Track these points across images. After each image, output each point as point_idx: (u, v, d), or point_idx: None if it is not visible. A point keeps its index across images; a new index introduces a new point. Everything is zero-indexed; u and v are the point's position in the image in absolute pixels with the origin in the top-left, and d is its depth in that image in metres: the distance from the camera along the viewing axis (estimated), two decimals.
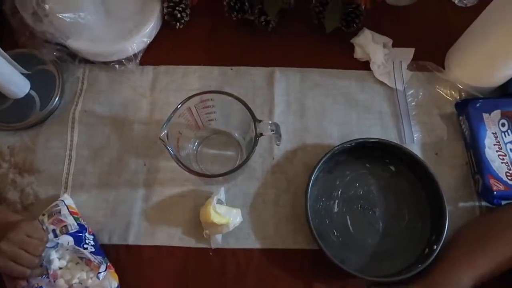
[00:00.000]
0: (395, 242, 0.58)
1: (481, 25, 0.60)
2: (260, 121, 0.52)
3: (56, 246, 0.52)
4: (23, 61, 0.64)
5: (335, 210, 0.60)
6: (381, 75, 0.68)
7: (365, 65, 0.69)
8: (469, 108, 0.62)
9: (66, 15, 0.60)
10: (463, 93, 0.66)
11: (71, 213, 0.56)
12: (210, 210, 0.55)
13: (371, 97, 0.67)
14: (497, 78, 0.62)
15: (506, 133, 0.61)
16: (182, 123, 0.56)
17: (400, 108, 0.66)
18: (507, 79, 0.62)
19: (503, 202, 0.58)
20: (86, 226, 0.56)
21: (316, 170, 0.58)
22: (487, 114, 0.62)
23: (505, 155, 0.59)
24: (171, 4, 0.68)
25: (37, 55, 0.67)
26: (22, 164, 0.62)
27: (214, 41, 0.71)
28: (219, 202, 0.58)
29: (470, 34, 0.63)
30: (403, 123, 0.65)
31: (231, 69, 0.69)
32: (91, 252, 0.53)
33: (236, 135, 0.63)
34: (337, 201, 0.61)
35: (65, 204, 0.57)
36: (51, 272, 0.51)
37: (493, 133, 0.61)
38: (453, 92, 0.67)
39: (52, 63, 0.67)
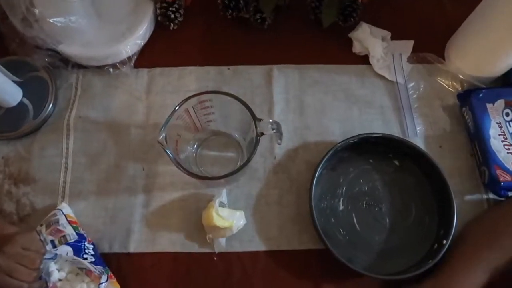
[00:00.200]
0: (403, 238, 0.57)
1: (481, 13, 0.59)
2: (260, 120, 0.51)
3: (54, 257, 0.50)
4: (14, 68, 0.63)
5: (340, 208, 0.59)
6: (381, 69, 0.66)
7: (364, 60, 0.68)
8: (472, 98, 0.61)
9: (57, 19, 0.59)
10: (465, 84, 0.65)
11: (69, 222, 0.54)
12: (212, 213, 0.54)
13: (371, 92, 0.66)
14: (499, 67, 0.61)
15: (511, 123, 0.60)
16: (180, 125, 0.55)
17: (402, 101, 0.64)
18: (510, 68, 0.61)
19: (511, 193, 0.57)
20: (85, 235, 0.55)
21: (319, 168, 0.57)
22: (491, 104, 0.61)
23: (511, 145, 0.58)
24: (164, 4, 0.67)
25: (29, 62, 0.65)
26: (17, 174, 0.61)
27: (209, 41, 0.70)
28: (222, 204, 0.57)
29: (470, 23, 0.62)
30: (405, 116, 0.64)
31: (228, 68, 0.68)
32: (91, 262, 0.52)
33: (236, 135, 0.61)
34: (341, 198, 0.59)
35: (63, 213, 0.55)
36: (50, 285, 0.49)
37: (497, 123, 0.60)
38: (455, 83, 0.65)
39: (44, 69, 0.65)
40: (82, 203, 0.60)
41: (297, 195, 0.60)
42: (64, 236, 0.52)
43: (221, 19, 0.70)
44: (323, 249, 0.56)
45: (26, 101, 0.63)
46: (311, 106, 0.65)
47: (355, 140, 0.59)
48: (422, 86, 0.66)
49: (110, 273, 0.53)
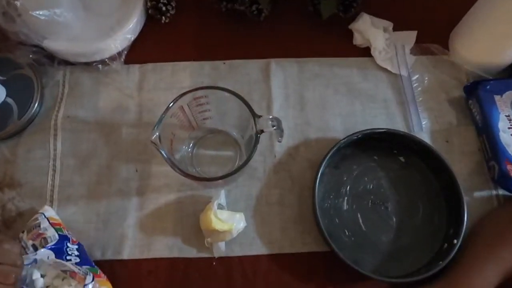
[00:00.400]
0: (411, 238, 0.54)
1: (487, 0, 0.56)
2: (259, 116, 0.48)
3: (34, 262, 0.46)
4: None
5: (345, 208, 0.56)
6: (383, 61, 0.64)
7: (365, 52, 0.65)
8: (479, 90, 0.58)
9: (41, 12, 0.55)
10: (471, 76, 0.63)
11: (52, 224, 0.51)
12: (211, 216, 0.51)
13: (374, 85, 0.63)
14: (507, 56, 0.59)
15: None
16: (174, 123, 0.52)
17: (406, 95, 0.62)
18: None
19: None
20: (69, 236, 0.51)
21: (322, 166, 0.54)
22: (499, 96, 0.58)
23: None
24: None
25: (12, 59, 0.61)
26: (2, 178, 0.57)
27: (203, 35, 0.67)
28: (220, 206, 0.54)
29: (475, 11, 0.59)
30: (410, 110, 0.61)
31: (224, 63, 0.64)
32: (76, 263, 0.48)
33: (234, 133, 0.58)
34: (346, 198, 0.57)
35: (45, 216, 0.52)
36: None
37: (506, 116, 0.57)
38: (460, 75, 0.63)
39: (29, 66, 0.62)
40: (72, 208, 0.56)
41: (299, 195, 0.57)
42: (44, 238, 0.49)
43: (215, 12, 0.67)
44: (328, 251, 0.54)
45: (10, 100, 0.60)
46: (312, 101, 0.62)
47: (359, 136, 0.56)
48: (426, 78, 0.63)
49: (99, 272, 0.50)
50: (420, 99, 0.62)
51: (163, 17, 0.65)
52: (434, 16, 0.67)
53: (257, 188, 0.57)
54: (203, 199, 0.56)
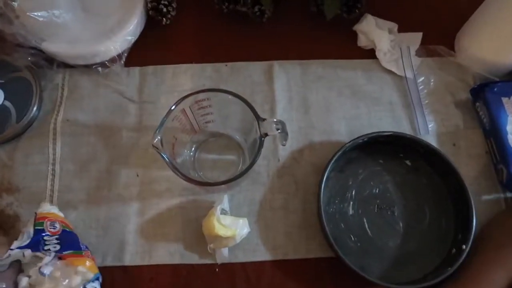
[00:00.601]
0: (418, 243, 0.53)
1: (495, 0, 0.55)
2: (263, 119, 0.47)
3: (4, 268, 0.45)
4: None
5: (350, 213, 0.55)
6: (388, 63, 0.63)
7: (370, 54, 0.64)
8: (486, 93, 0.57)
9: (39, 13, 0.54)
10: (477, 78, 0.62)
11: (37, 219, 0.49)
12: (214, 222, 0.50)
13: (379, 88, 0.62)
14: None
15: None
16: (176, 127, 0.51)
17: (412, 97, 0.61)
18: None
19: None
20: (45, 229, 0.48)
21: (327, 170, 0.53)
22: (507, 98, 0.57)
23: None
24: None
25: (10, 62, 0.60)
26: (0, 183, 0.56)
27: (205, 37, 0.66)
28: (223, 212, 0.53)
29: (482, 11, 0.58)
30: (415, 113, 0.60)
31: (226, 65, 0.63)
32: (56, 251, 0.47)
33: (237, 137, 0.57)
34: (351, 202, 0.55)
35: (35, 214, 0.50)
36: None
37: None
38: (467, 77, 0.62)
39: (27, 69, 0.60)
40: (71, 213, 0.55)
41: (304, 200, 0.56)
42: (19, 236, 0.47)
43: (217, 13, 0.66)
44: (333, 257, 0.52)
45: (8, 103, 0.59)
46: (315, 103, 0.61)
47: (365, 139, 0.55)
48: (432, 80, 0.62)
49: (83, 253, 0.49)
50: (426, 101, 0.61)
51: (164, 19, 0.64)
52: (439, 17, 0.66)
53: (260, 193, 0.56)
54: (205, 204, 0.55)
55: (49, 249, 0.46)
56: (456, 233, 0.53)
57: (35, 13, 0.54)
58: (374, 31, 0.63)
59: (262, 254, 0.53)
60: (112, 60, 0.61)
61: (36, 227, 0.48)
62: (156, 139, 0.45)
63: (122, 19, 0.61)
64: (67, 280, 0.45)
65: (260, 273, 0.53)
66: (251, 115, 0.48)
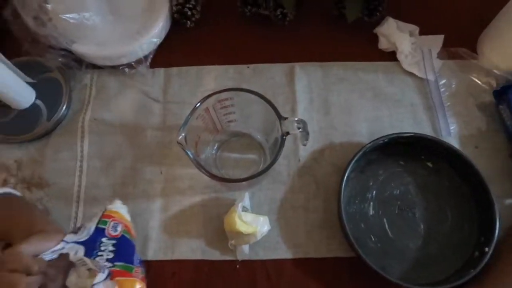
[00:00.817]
0: (440, 245, 0.53)
1: None
2: (285, 118, 0.48)
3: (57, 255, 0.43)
4: (27, 69, 0.60)
5: (371, 213, 0.55)
6: (410, 65, 0.63)
7: (391, 56, 0.64)
8: (509, 95, 0.57)
9: (70, 15, 0.57)
10: (500, 80, 0.61)
11: (103, 216, 0.49)
12: (235, 219, 0.51)
13: (400, 90, 0.62)
14: None
15: None
16: (200, 126, 0.52)
17: (433, 99, 0.61)
18: None
19: None
20: (106, 229, 0.48)
21: (348, 171, 0.53)
22: None
23: None
24: (181, 1, 0.64)
25: (42, 62, 0.63)
26: (30, 178, 0.58)
27: (228, 39, 0.67)
28: (244, 209, 0.54)
29: (505, 14, 0.58)
30: (437, 115, 0.60)
31: (248, 67, 0.65)
32: (107, 259, 0.46)
33: (258, 136, 0.58)
34: (372, 203, 0.56)
35: (105, 208, 0.50)
36: None
37: None
38: (490, 80, 0.62)
39: (58, 70, 0.63)
40: (97, 209, 0.56)
41: (324, 200, 0.56)
42: (79, 229, 0.47)
43: (239, 16, 0.67)
44: (354, 257, 0.52)
45: (39, 102, 0.61)
46: (336, 105, 0.62)
47: (385, 140, 0.55)
48: (454, 83, 0.62)
49: (134, 271, 0.47)
50: (448, 103, 0.61)
51: (188, 22, 0.66)
52: (461, 20, 0.66)
53: (281, 192, 0.57)
54: (227, 202, 0.56)
55: (102, 255, 0.46)
56: (478, 236, 0.52)
57: (67, 15, 0.56)
58: (395, 34, 0.63)
59: (282, 252, 0.54)
60: (138, 62, 0.63)
61: (98, 225, 0.48)
62: (181, 136, 0.46)
63: (148, 22, 0.63)
64: None
65: (280, 270, 0.53)
66: (272, 114, 0.48)
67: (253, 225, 0.51)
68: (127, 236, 0.50)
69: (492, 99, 0.60)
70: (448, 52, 0.63)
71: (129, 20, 0.64)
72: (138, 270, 0.49)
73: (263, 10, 0.65)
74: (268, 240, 0.54)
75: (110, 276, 0.45)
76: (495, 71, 0.61)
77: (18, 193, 0.51)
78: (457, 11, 0.68)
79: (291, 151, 0.59)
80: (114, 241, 0.49)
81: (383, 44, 0.64)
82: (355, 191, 0.56)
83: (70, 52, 0.63)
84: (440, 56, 0.63)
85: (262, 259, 0.53)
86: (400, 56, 0.63)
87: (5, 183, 0.58)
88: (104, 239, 0.48)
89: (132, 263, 0.49)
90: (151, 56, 0.64)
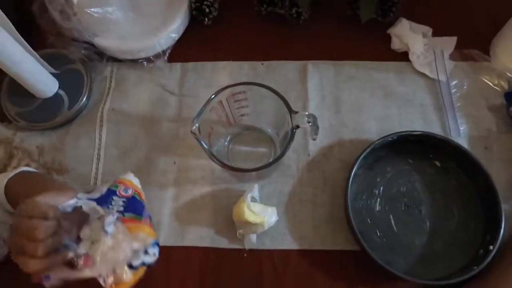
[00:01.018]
0: (445, 242, 0.54)
1: None
2: (296, 112, 0.49)
3: (73, 207, 0.44)
4: (52, 60, 0.63)
5: (377, 209, 0.56)
6: (421, 66, 0.64)
7: (403, 56, 0.65)
8: None
9: (94, 10, 0.59)
10: None
11: (117, 182, 0.50)
12: (244, 208, 0.52)
13: (411, 90, 0.63)
14: None
15: None
16: (213, 118, 0.54)
17: (444, 100, 0.61)
18: None
19: None
20: (118, 191, 0.49)
21: (355, 167, 0.55)
22: None
23: None
24: None
25: (66, 55, 0.66)
26: (51, 163, 0.61)
27: (243, 36, 0.69)
28: (253, 200, 0.55)
29: None
30: (447, 115, 0.60)
31: (262, 64, 0.66)
32: (118, 211, 0.46)
33: (269, 130, 0.60)
34: (378, 199, 0.57)
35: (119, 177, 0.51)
36: (80, 258, 0.42)
37: None
38: (502, 82, 0.62)
39: (80, 62, 0.66)
40: None
41: (332, 194, 0.57)
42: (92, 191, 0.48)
43: (255, 15, 0.69)
44: (358, 250, 0.54)
45: (61, 92, 0.64)
46: (347, 103, 0.63)
47: (394, 138, 0.56)
48: (465, 84, 0.62)
49: (143, 219, 0.47)
50: (459, 104, 0.61)
51: (206, 19, 0.68)
52: (475, 22, 0.67)
53: (289, 185, 0.58)
54: (236, 193, 0.58)
55: (113, 208, 0.46)
56: (484, 234, 0.53)
57: (91, 10, 0.59)
58: (408, 35, 0.64)
59: (289, 243, 0.55)
60: (157, 56, 0.65)
61: (110, 187, 0.49)
62: (195, 126, 0.48)
63: (168, 18, 0.66)
64: (127, 243, 0.44)
65: (286, 261, 0.54)
66: (284, 109, 0.50)
67: (261, 215, 0.53)
68: (137, 197, 0.50)
69: (504, 101, 0.61)
70: (460, 53, 0.64)
71: (149, 16, 0.67)
72: (147, 221, 0.48)
73: (279, 9, 0.67)
74: (276, 231, 0.55)
75: (119, 220, 0.45)
76: (507, 73, 0.62)
77: (33, 170, 0.53)
78: (471, 13, 0.68)
79: (301, 146, 0.60)
80: (124, 199, 0.49)
81: (395, 45, 0.65)
82: (362, 187, 0.57)
83: (92, 45, 0.65)
84: (453, 57, 0.64)
85: (269, 249, 0.55)
86: (412, 57, 0.64)
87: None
88: (115, 197, 0.48)
89: (141, 215, 0.48)
90: (169, 51, 0.67)
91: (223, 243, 0.56)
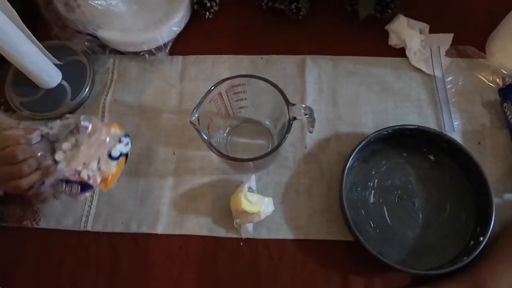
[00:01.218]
0: (437, 234, 0.55)
1: None
2: (293, 104, 0.50)
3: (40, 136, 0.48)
4: (55, 52, 0.65)
5: (371, 201, 0.57)
6: (418, 61, 0.65)
7: (400, 52, 0.66)
8: None
9: (98, 2, 0.61)
10: (507, 80, 0.63)
11: None
12: (241, 198, 0.54)
13: (407, 85, 0.64)
14: None
15: None
16: (212, 110, 0.55)
17: (439, 95, 0.62)
18: None
19: None
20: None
21: (351, 159, 0.56)
22: None
23: None
24: None
25: (69, 46, 0.67)
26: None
27: (243, 31, 0.70)
28: (250, 190, 0.57)
29: None
30: (442, 110, 0.62)
31: (261, 58, 0.68)
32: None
33: (267, 123, 0.61)
34: (373, 191, 0.58)
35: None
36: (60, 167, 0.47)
37: None
38: (496, 79, 0.63)
39: (83, 54, 0.67)
40: (114, 184, 0.60)
41: (328, 186, 0.59)
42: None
43: (256, 9, 0.70)
44: (352, 241, 0.55)
45: (65, 83, 0.65)
46: (345, 97, 0.64)
47: (389, 131, 0.57)
48: (461, 80, 0.64)
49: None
50: (454, 100, 0.62)
51: (207, 13, 0.69)
52: (471, 19, 0.68)
53: (286, 177, 0.60)
54: (234, 184, 0.59)
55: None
56: (475, 226, 0.54)
57: (95, 2, 0.61)
58: (406, 31, 0.65)
59: (284, 233, 0.57)
60: (158, 49, 0.67)
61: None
62: (194, 117, 0.49)
63: (170, 12, 0.67)
64: (105, 135, 0.49)
65: (281, 250, 0.56)
66: (281, 101, 0.51)
67: (257, 205, 0.54)
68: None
69: (498, 97, 0.62)
70: (456, 50, 0.65)
71: (152, 9, 0.68)
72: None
73: (279, 4, 0.68)
74: (272, 221, 0.57)
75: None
76: (502, 70, 0.63)
77: None
78: (468, 10, 0.69)
79: (298, 139, 0.61)
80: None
81: (393, 41, 0.66)
82: (357, 179, 0.58)
83: (95, 37, 0.67)
84: (449, 54, 0.65)
85: (265, 238, 0.56)
86: (409, 53, 0.65)
87: None
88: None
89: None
90: (171, 44, 0.68)
91: (221, 232, 0.57)
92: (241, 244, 0.56)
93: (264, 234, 0.57)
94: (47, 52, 0.62)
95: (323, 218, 0.57)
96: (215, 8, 0.69)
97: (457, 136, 0.60)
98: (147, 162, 0.61)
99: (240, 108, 0.59)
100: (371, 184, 0.58)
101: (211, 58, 0.68)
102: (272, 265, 0.55)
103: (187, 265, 0.56)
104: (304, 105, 0.50)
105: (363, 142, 0.56)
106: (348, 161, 0.56)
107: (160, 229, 0.57)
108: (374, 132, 0.57)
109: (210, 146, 0.50)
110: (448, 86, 0.63)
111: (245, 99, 0.57)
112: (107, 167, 0.49)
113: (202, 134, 0.49)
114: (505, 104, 0.60)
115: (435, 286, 0.51)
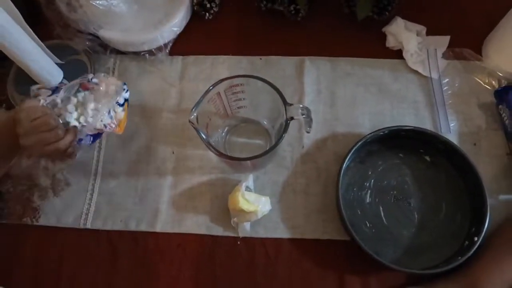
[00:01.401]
0: (432, 234, 0.56)
1: None
2: (290, 104, 0.51)
3: (56, 90, 0.54)
4: (57, 51, 0.65)
5: (367, 201, 0.58)
6: (415, 63, 0.65)
7: (397, 54, 0.67)
8: (509, 95, 0.59)
9: (100, 2, 0.62)
10: (503, 82, 0.63)
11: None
12: (238, 197, 0.54)
13: (404, 87, 0.65)
14: None
15: None
16: (211, 110, 0.56)
17: (435, 97, 0.63)
18: None
19: None
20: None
21: (347, 159, 0.56)
22: None
23: None
24: None
25: (71, 46, 0.68)
26: None
27: (243, 32, 0.71)
28: (248, 189, 0.57)
29: (510, 18, 0.60)
30: (438, 112, 0.62)
31: (260, 59, 0.68)
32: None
33: (265, 123, 0.62)
34: (369, 191, 0.58)
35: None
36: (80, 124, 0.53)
37: None
38: (492, 81, 0.64)
39: (84, 53, 0.68)
40: (113, 182, 0.61)
41: (324, 186, 0.59)
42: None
43: (255, 11, 0.71)
44: (348, 240, 0.55)
45: (66, 82, 0.66)
46: (342, 98, 0.65)
47: (385, 132, 0.58)
48: (457, 82, 0.64)
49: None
50: (450, 101, 0.63)
51: (207, 14, 0.70)
52: (468, 22, 0.69)
53: (284, 176, 0.60)
54: (232, 183, 0.60)
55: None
56: (470, 227, 0.55)
57: (97, 2, 0.61)
58: (403, 33, 0.66)
59: (281, 232, 0.57)
60: (159, 49, 0.68)
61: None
62: (193, 116, 0.50)
63: (170, 12, 0.68)
64: (112, 85, 0.56)
65: (278, 249, 0.56)
66: (279, 102, 0.52)
67: (255, 204, 0.55)
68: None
69: (493, 99, 0.62)
70: (453, 52, 0.66)
71: (152, 9, 0.69)
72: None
73: (278, 6, 0.69)
74: (269, 220, 0.57)
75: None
76: (498, 72, 0.63)
77: None
78: (464, 13, 0.70)
79: (296, 139, 0.62)
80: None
81: (390, 43, 0.67)
82: (354, 179, 0.59)
83: (96, 37, 0.68)
84: (445, 56, 0.66)
85: (262, 237, 0.57)
86: (406, 55, 0.66)
87: None
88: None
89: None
90: (171, 44, 0.69)
91: (218, 230, 0.58)
92: (239, 242, 0.57)
93: (261, 233, 0.57)
94: (48, 51, 0.63)
95: (319, 217, 0.58)
96: (215, 9, 0.70)
97: (453, 138, 0.61)
98: (146, 161, 0.62)
99: (238, 108, 0.59)
100: (368, 184, 0.59)
101: (210, 58, 0.69)
102: (268, 263, 0.56)
103: (185, 263, 0.56)
104: (301, 105, 0.51)
105: (360, 143, 0.57)
106: (344, 161, 0.56)
107: (158, 227, 0.58)
108: (370, 133, 0.57)
109: (209, 145, 0.50)
110: (445, 88, 0.64)
111: (244, 99, 0.58)
112: (117, 113, 0.56)
113: (201, 133, 0.50)
114: (500, 106, 0.61)
115: (430, 285, 0.52)
